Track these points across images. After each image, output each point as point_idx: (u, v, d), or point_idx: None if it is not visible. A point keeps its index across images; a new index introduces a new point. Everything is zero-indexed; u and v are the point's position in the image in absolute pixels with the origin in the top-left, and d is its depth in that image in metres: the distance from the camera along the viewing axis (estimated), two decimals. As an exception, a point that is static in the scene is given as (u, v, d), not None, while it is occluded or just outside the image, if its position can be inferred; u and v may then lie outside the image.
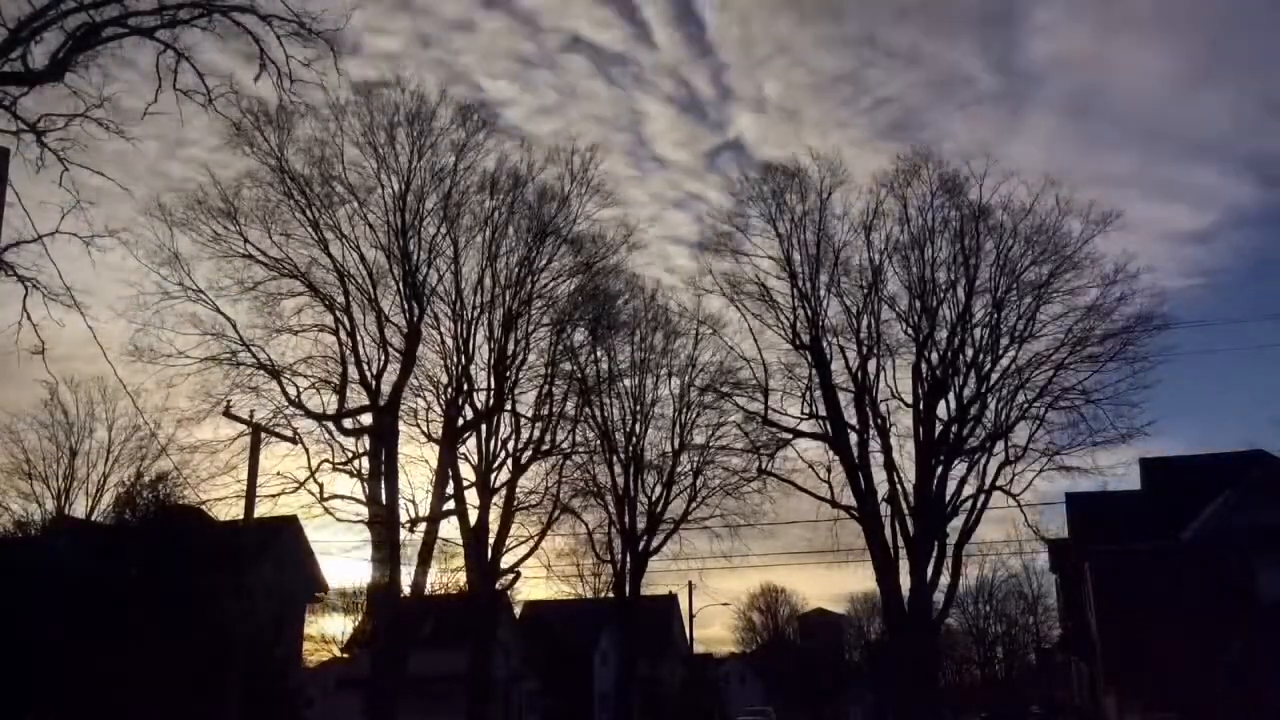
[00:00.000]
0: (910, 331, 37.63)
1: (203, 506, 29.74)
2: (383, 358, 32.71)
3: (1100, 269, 35.79)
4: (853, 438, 37.10)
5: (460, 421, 34.68)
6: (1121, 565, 32.56)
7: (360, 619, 43.93)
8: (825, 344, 37.96)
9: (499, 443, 35.96)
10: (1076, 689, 46.27)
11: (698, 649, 70.40)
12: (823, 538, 39.03)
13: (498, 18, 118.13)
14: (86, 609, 23.67)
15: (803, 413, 38.08)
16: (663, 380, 43.68)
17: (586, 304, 37.92)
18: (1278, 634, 29.57)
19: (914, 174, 37.50)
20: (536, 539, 37.78)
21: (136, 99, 19.93)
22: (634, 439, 43.63)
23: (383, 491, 31.79)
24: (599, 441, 42.29)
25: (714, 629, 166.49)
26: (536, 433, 36.67)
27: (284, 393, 31.07)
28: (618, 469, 43.35)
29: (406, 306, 33.41)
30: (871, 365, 37.64)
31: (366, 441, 32.29)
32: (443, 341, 34.88)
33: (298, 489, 30.54)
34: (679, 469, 43.29)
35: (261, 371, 31.00)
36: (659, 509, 43.44)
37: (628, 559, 43.81)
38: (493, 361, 35.33)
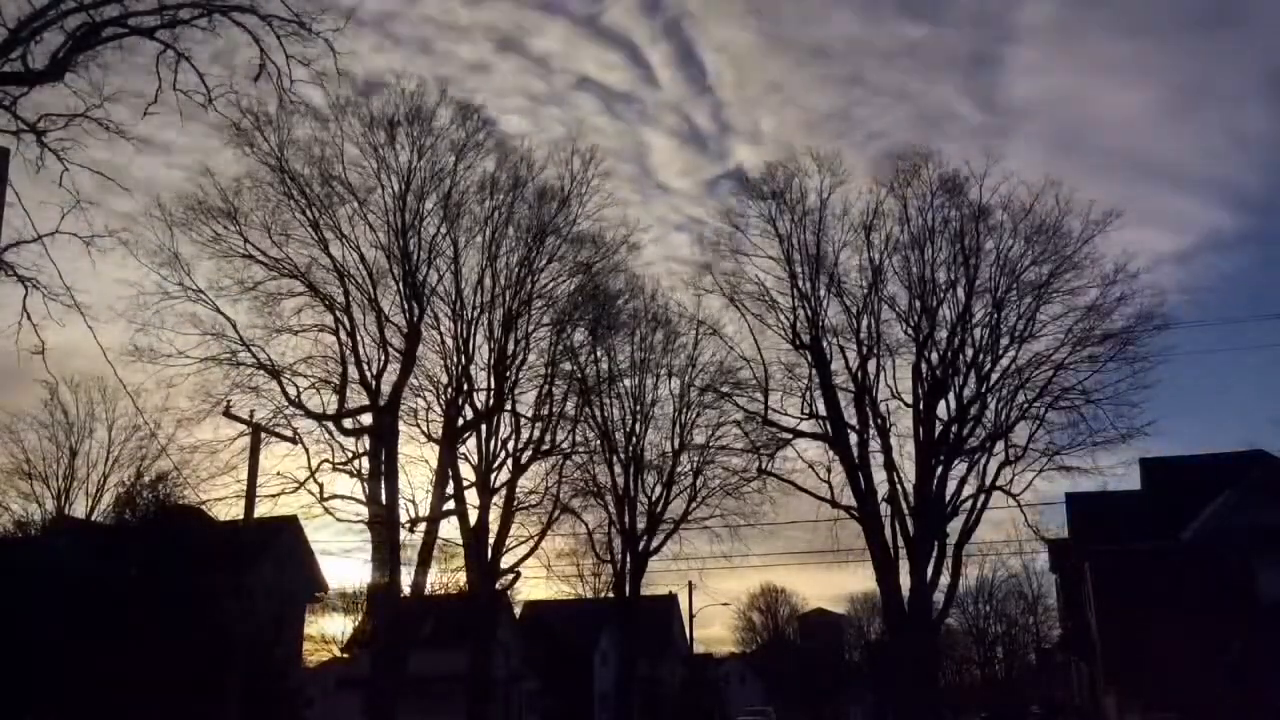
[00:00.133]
0: (910, 331, 37.68)
1: (203, 506, 29.73)
2: (383, 358, 32.74)
3: (1100, 269, 35.85)
4: (853, 438, 37.12)
5: (460, 421, 34.69)
6: (1121, 565, 32.56)
7: (360, 619, 43.95)
8: (825, 344, 38.00)
9: (499, 443, 36.01)
10: (1076, 689, 46.27)
11: (698, 649, 70.42)
12: (823, 538, 39.07)
13: (512, 60, 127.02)
14: (86, 609, 23.66)
15: (803, 413, 38.14)
16: (663, 380, 43.73)
17: (586, 304, 37.91)
18: (1278, 634, 29.57)
19: (914, 174, 37.55)
20: (536, 539, 37.83)
21: (136, 99, 19.96)
22: (634, 439, 43.68)
23: (383, 491, 31.78)
24: (599, 441, 42.33)
25: (714, 629, 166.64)
26: (536, 433, 36.70)
27: (284, 393, 31.08)
28: (618, 469, 43.38)
29: (406, 306, 33.43)
30: (871, 365, 37.70)
31: (366, 441, 32.29)
32: (443, 341, 34.93)
33: (298, 489, 30.55)
34: (679, 469, 43.35)
35: (261, 371, 31.02)
36: (659, 509, 43.46)
37: (628, 559, 43.80)
38: (493, 361, 35.35)
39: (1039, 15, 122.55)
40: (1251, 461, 33.23)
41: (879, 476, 36.82)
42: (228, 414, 24.74)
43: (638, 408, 43.71)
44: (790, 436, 38.55)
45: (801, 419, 38.15)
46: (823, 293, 38.04)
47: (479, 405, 35.34)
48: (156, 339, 29.32)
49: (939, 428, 36.73)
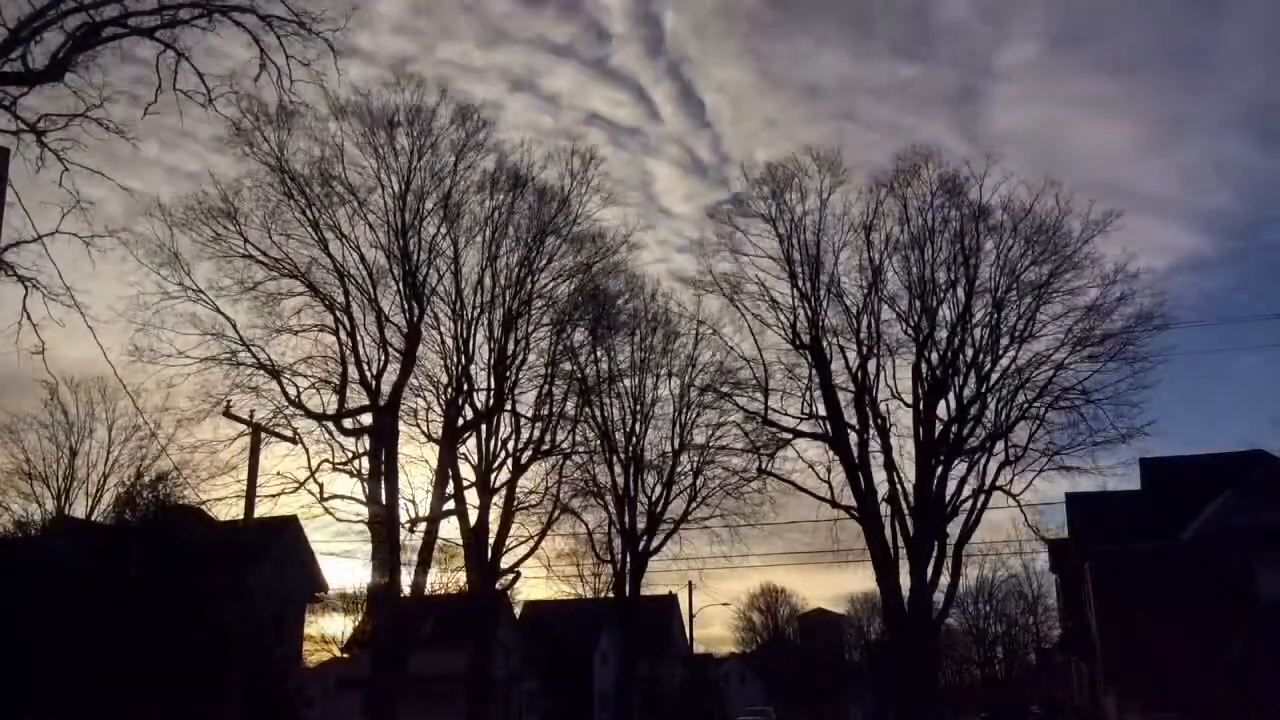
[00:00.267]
0: (910, 331, 37.66)
1: (203, 506, 29.76)
2: (383, 358, 32.74)
3: (1100, 269, 35.88)
4: (853, 438, 37.12)
5: (460, 421, 34.69)
6: (1121, 565, 32.54)
7: (360, 619, 43.95)
8: (825, 344, 38.00)
9: (499, 443, 36.03)
10: (1076, 689, 46.26)
11: (698, 649, 70.40)
12: (822, 538, 39.05)
13: (524, 99, 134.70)
14: (86, 609, 23.64)
15: (803, 413, 38.16)
16: (663, 380, 43.75)
17: (586, 304, 37.94)
18: (1278, 634, 29.55)
19: (914, 174, 37.56)
20: (536, 539, 37.85)
21: (137, 99, 19.97)
22: (634, 439, 43.68)
23: (383, 491, 31.79)
24: (599, 441, 42.33)
25: (714, 629, 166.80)
26: (536, 433, 36.72)
27: (284, 393, 31.11)
28: (618, 469, 43.39)
29: (406, 306, 33.44)
30: (871, 365, 37.72)
31: (366, 441, 32.30)
32: (443, 341, 34.95)
33: (298, 489, 30.61)
34: (679, 469, 43.36)
35: (261, 371, 31.05)
36: (659, 509, 43.47)
37: (628, 559, 43.80)
38: (493, 361, 35.36)
39: (1021, 55, 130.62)
40: (1251, 461, 33.21)
41: (879, 476, 36.92)
42: (228, 414, 24.74)
43: (638, 408, 43.77)
44: (790, 436, 38.61)
45: (801, 419, 38.23)
46: (823, 293, 38.12)
47: (479, 405, 35.39)
48: (156, 339, 29.41)
49: (939, 428, 36.74)
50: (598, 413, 42.20)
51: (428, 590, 37.22)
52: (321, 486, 31.01)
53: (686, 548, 43.72)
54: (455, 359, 34.75)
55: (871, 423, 37.30)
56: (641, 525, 43.60)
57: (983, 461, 36.70)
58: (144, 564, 26.44)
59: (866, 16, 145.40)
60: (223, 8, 19.34)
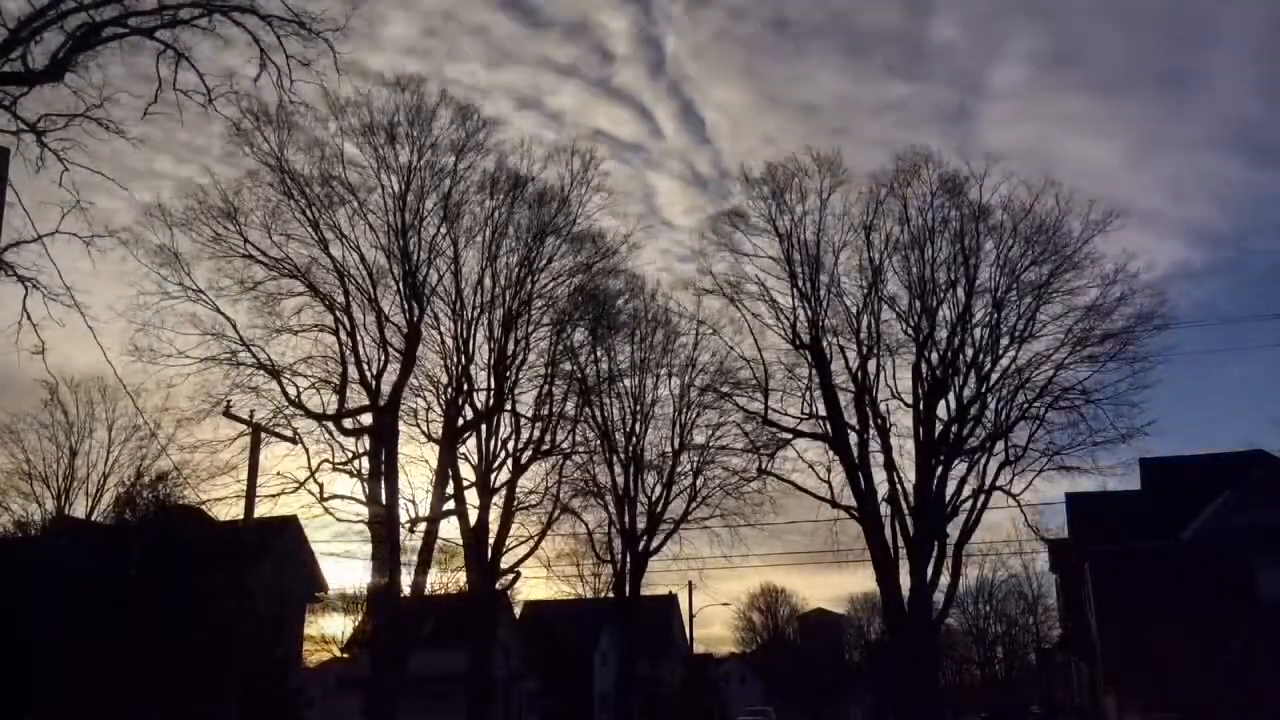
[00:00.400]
0: (910, 331, 37.68)
1: (203, 506, 29.76)
2: (383, 358, 32.75)
3: (1100, 269, 35.90)
4: (853, 438, 37.12)
5: (460, 421, 34.70)
6: (1121, 565, 32.53)
7: (360, 619, 43.95)
8: (825, 344, 38.00)
9: (499, 443, 36.04)
10: (1076, 689, 46.25)
11: (698, 649, 70.39)
12: (822, 539, 39.02)
13: (530, 116, 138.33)
14: (86, 609, 23.63)
15: (803, 413, 38.16)
16: (663, 380, 43.76)
17: (586, 304, 37.94)
18: (1278, 634, 29.55)
19: (914, 174, 37.57)
20: (536, 539, 37.85)
21: (137, 99, 19.97)
22: (634, 439, 43.69)
23: (383, 491, 31.79)
24: (599, 441, 42.34)
25: (714, 629, 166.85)
26: (536, 433, 36.72)
27: (284, 393, 31.12)
28: (618, 469, 43.40)
29: (406, 306, 33.44)
30: (871, 365, 37.73)
31: (366, 441, 32.31)
32: (443, 341, 34.96)
33: (298, 489, 30.63)
34: (679, 469, 43.37)
35: (261, 371, 31.06)
36: (659, 509, 43.47)
37: (628, 559, 43.80)
38: (493, 361, 35.36)
39: (1011, 76, 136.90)
40: (1251, 461, 33.20)
41: (879, 476, 36.93)
42: (228, 414, 24.73)
43: (638, 408, 43.78)
44: (790, 436, 38.61)
45: (801, 419, 38.22)
46: (823, 293, 38.13)
47: (479, 405, 35.39)
48: (156, 339, 29.42)
49: (939, 428, 36.74)
50: (598, 413, 42.25)
51: (428, 590, 37.25)
52: (321, 486, 31.07)
53: (686, 548, 43.80)
54: (455, 359, 34.81)
55: (871, 423, 37.34)
56: (641, 525, 43.62)
57: (983, 461, 36.78)
58: (144, 564, 26.44)
59: (861, 39, 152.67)
60: (223, 7, 19.36)
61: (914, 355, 37.54)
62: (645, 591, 46.75)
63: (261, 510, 25.84)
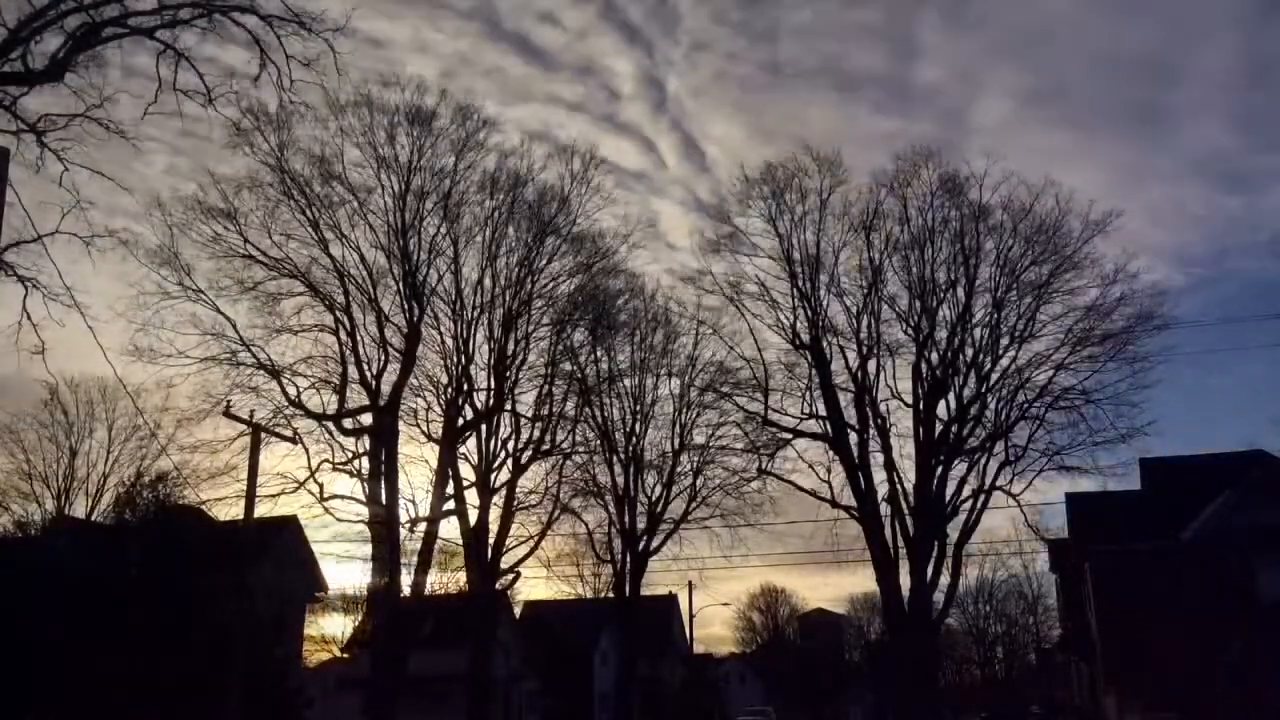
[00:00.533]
0: (910, 331, 37.67)
1: (203, 506, 29.76)
2: (383, 358, 32.75)
3: (1100, 269, 35.88)
4: (853, 438, 37.11)
5: (460, 421, 34.69)
6: (1121, 565, 32.53)
7: (360, 619, 43.94)
8: (825, 344, 37.99)
9: (499, 443, 36.02)
10: (1076, 689, 46.25)
11: (698, 649, 70.40)
12: (822, 539, 39.00)
13: (541, 148, 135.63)
14: (86, 609, 23.64)
15: (803, 413, 38.14)
16: (663, 380, 43.75)
17: (586, 304, 37.93)
18: (1278, 634, 29.55)
19: (914, 174, 37.54)
20: (536, 539, 37.83)
21: (137, 99, 19.97)
22: (634, 439, 43.68)
23: (383, 491, 31.79)
24: (599, 441, 42.32)
25: (714, 629, 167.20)
26: (536, 433, 36.71)
27: (284, 393, 31.12)
28: (618, 469, 43.38)
29: (406, 306, 33.43)
30: (871, 365, 37.72)
31: (366, 441, 32.31)
32: (443, 341, 34.95)
33: (298, 489, 30.63)
34: (679, 469, 43.35)
35: (261, 371, 31.06)
36: (659, 509, 43.46)
37: (628, 559, 43.79)
38: (493, 361, 35.35)
39: (994, 112, 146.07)
40: (1251, 461, 33.20)
41: (879, 476, 36.91)
42: (228, 414, 24.73)
43: (638, 408, 43.76)
44: (790, 436, 38.59)
45: (801, 419, 38.21)
46: (823, 293, 38.11)
47: (479, 405, 35.37)
48: (156, 339, 29.43)
49: (939, 428, 36.73)
50: (598, 413, 42.23)
51: (428, 590, 37.20)
52: (321, 486, 31.07)
53: (686, 548, 43.79)
54: (455, 359, 34.80)
55: (871, 423, 37.33)
56: (641, 525, 43.61)
57: (983, 461, 36.77)
58: (144, 564, 26.43)
59: (850, 80, 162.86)
60: (223, 7, 19.37)
61: (914, 355, 37.57)
62: (645, 591, 46.78)
63: (261, 510, 25.85)
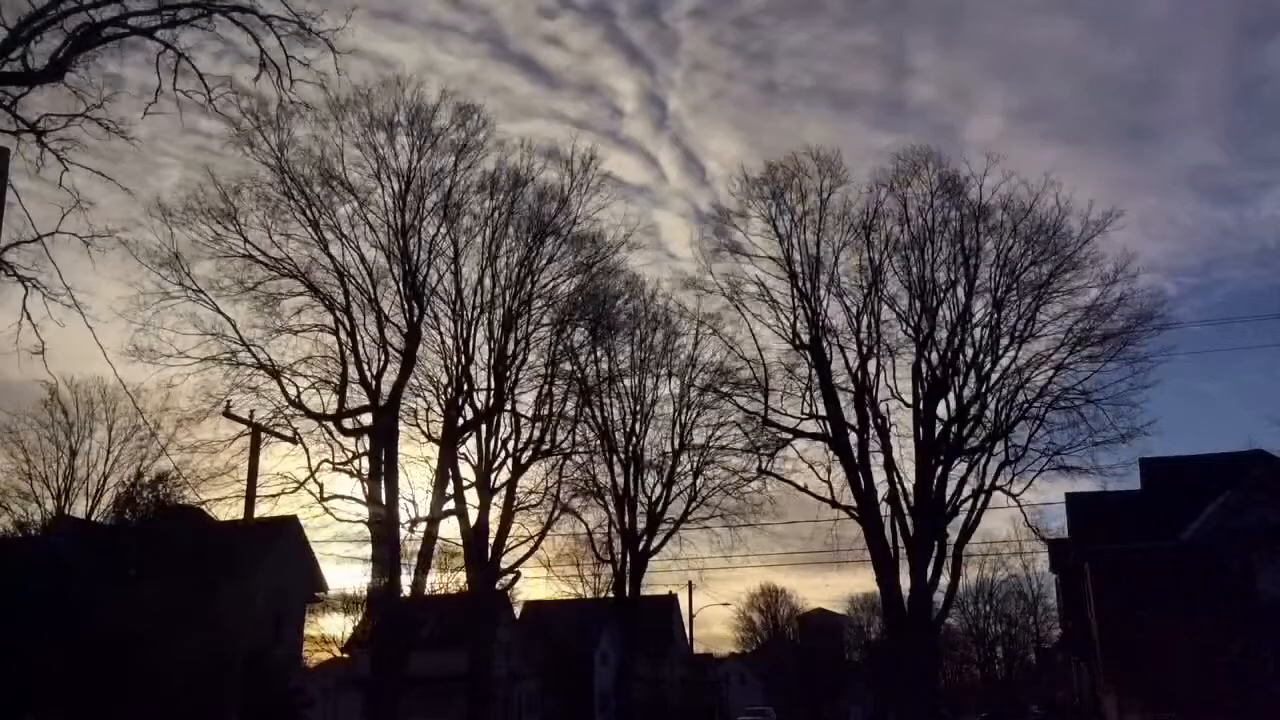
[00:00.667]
0: (910, 331, 37.65)
1: (203, 506, 29.76)
2: (383, 358, 32.75)
3: (1100, 269, 35.87)
4: (853, 438, 37.11)
5: (460, 421, 34.68)
6: (1121, 565, 32.53)
7: (360, 619, 43.94)
8: (825, 344, 37.98)
9: (499, 443, 36.01)
10: (1076, 689, 46.26)
11: (698, 649, 70.46)
12: (822, 539, 39.02)
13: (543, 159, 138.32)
14: (86, 609, 23.63)
15: (803, 413, 38.13)
16: (663, 380, 43.78)
17: (586, 304, 37.92)
18: (1278, 634, 29.54)
19: (914, 174, 37.52)
20: (536, 539, 37.82)
21: (137, 99, 19.96)
22: (634, 439, 43.71)
23: (383, 492, 31.79)
24: (599, 441, 42.35)
25: (714, 629, 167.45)
26: (536, 433, 36.70)
27: (284, 393, 31.13)
28: (618, 469, 43.42)
29: (406, 306, 33.43)
30: (871, 365, 37.72)
31: (366, 441, 32.31)
32: (443, 341, 34.94)
33: (298, 489, 30.63)
34: (679, 469, 43.38)
35: (261, 371, 31.06)
36: (659, 509, 43.48)
37: (628, 559, 43.80)
38: (493, 361, 35.35)
39: (987, 128, 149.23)
40: (1251, 461, 33.15)
41: (879, 476, 36.90)
42: (228, 414, 24.74)
43: (638, 408, 43.79)
44: (790, 436, 38.59)
45: (801, 419, 38.20)
46: (823, 293, 38.10)
47: (479, 405, 35.37)
48: (156, 339, 29.43)
49: (939, 428, 36.73)
50: (598, 413, 42.25)
51: (428, 590, 37.19)
52: (321, 486, 31.07)
53: (686, 548, 43.83)
54: (455, 359, 34.79)
55: (871, 423, 37.33)
56: (641, 525, 43.63)
57: (983, 462, 36.77)
58: (144, 564, 26.43)
59: (845, 98, 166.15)
60: (223, 8, 19.35)
61: (914, 355, 37.57)
62: (645, 591, 46.83)
63: (261, 510, 25.85)
